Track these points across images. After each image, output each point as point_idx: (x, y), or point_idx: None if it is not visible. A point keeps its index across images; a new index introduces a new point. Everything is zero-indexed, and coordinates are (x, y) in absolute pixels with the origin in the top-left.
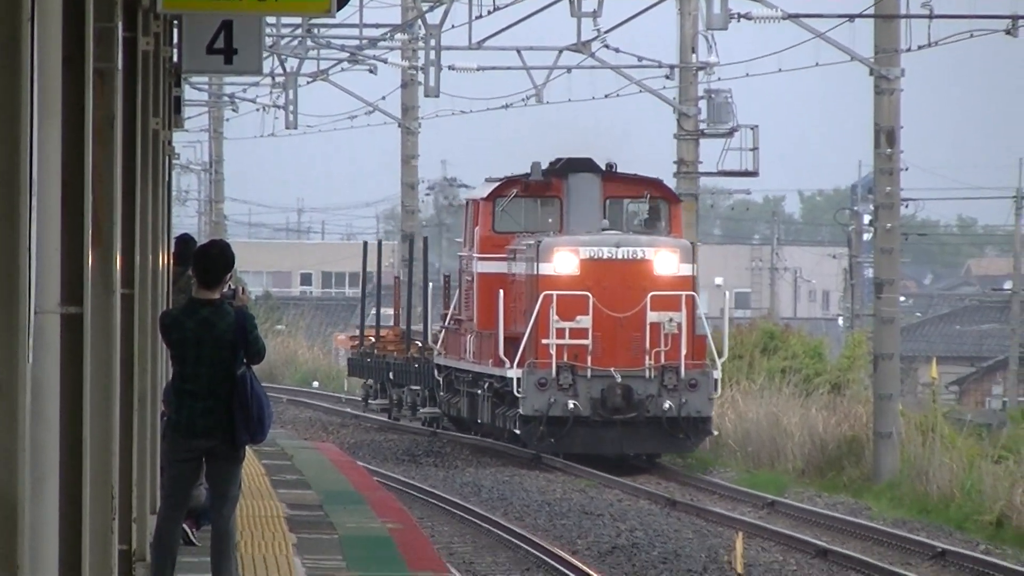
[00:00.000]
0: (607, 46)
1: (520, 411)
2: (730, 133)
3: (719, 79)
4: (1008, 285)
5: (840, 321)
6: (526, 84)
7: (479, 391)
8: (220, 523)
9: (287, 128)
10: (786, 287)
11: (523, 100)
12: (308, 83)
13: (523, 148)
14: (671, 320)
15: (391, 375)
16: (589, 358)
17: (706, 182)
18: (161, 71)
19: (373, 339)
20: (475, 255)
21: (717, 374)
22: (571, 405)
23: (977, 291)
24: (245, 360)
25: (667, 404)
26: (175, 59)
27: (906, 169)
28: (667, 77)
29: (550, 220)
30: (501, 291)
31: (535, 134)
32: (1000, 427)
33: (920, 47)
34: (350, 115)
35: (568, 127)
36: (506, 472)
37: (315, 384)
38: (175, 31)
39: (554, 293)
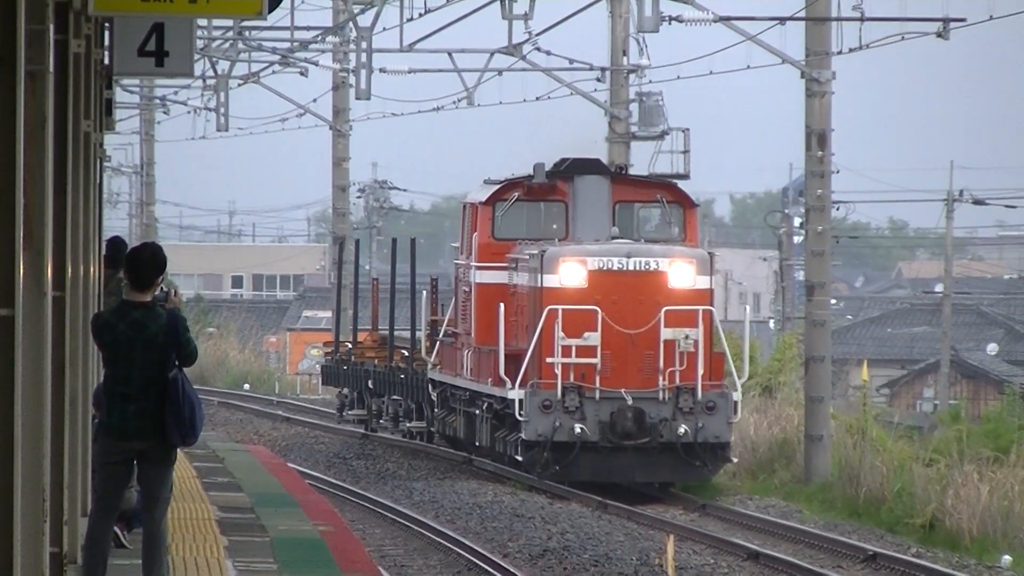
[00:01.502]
0: (538, 49)
1: (522, 435)
2: (661, 136)
3: (650, 82)
4: (939, 288)
5: (771, 324)
6: (457, 87)
7: (477, 411)
8: (151, 526)
9: (218, 130)
10: (717, 289)
11: (454, 103)
12: (239, 85)
13: (456, 151)
14: (687, 337)
15: (370, 384)
16: (597, 378)
17: None
18: (92, 73)
19: (349, 345)
20: (473, 264)
21: (737, 396)
22: (578, 429)
23: (908, 294)
24: (177, 362)
25: (682, 428)
26: (106, 61)
27: (837, 172)
28: (598, 80)
29: (555, 226)
30: (502, 304)
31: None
32: (931, 430)
33: (851, 49)
34: (281, 117)
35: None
36: (437, 474)
37: (246, 387)
38: (106, 33)
39: (559, 307)
